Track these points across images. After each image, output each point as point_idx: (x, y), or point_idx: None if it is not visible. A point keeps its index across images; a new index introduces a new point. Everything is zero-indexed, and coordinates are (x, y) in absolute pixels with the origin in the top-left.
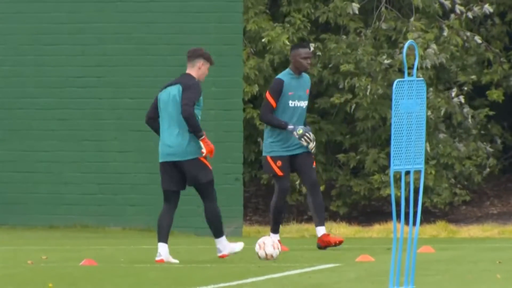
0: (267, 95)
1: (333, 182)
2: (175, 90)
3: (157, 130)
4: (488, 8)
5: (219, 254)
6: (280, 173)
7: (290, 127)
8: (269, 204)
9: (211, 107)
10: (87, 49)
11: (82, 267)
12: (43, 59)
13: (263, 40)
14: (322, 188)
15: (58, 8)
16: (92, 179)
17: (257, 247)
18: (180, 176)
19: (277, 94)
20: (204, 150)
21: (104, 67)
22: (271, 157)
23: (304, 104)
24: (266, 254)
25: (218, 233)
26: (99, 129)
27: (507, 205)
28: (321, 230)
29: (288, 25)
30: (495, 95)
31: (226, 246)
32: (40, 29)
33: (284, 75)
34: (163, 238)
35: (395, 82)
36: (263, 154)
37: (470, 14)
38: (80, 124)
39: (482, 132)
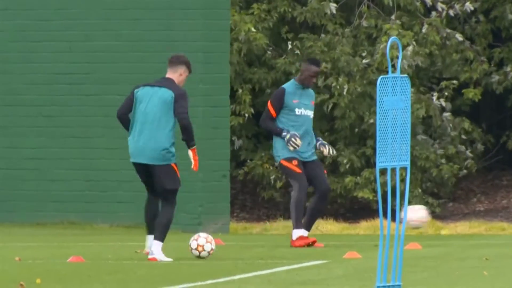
0: (268, 104)
1: None
2: (166, 95)
3: (127, 125)
4: (469, 6)
5: (150, 256)
6: (298, 170)
7: (283, 134)
8: (257, 200)
9: (199, 104)
10: (74, 46)
11: (69, 263)
12: (30, 56)
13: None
14: None
15: (45, 4)
16: (79, 176)
17: (201, 241)
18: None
19: (277, 103)
20: (192, 160)
21: (91, 64)
22: (285, 159)
23: (310, 113)
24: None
25: (160, 237)
26: (86, 126)
27: (494, 202)
28: (304, 233)
29: (252, 15)
30: (471, 94)
31: (160, 252)
32: (27, 26)
33: (288, 84)
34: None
35: (379, 79)
36: (278, 161)
37: (451, 12)
38: (67, 121)
39: (463, 136)
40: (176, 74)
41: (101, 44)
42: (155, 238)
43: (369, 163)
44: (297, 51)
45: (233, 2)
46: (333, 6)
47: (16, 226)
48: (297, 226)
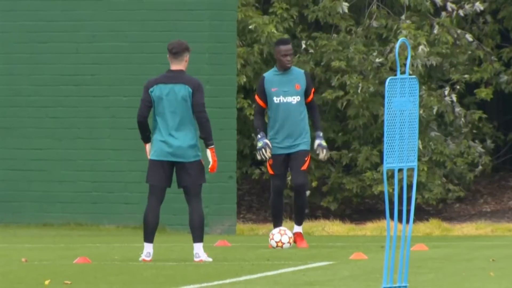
0: (256, 96)
1: (326, 179)
2: (184, 91)
3: (146, 129)
4: (478, 6)
5: (197, 259)
6: (270, 171)
7: (258, 136)
8: (263, 201)
9: (205, 104)
10: (81, 47)
11: (76, 265)
12: (37, 57)
13: (249, 27)
14: (314, 184)
15: (52, 6)
16: (86, 177)
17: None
18: (171, 174)
19: (260, 93)
20: (210, 161)
21: (97, 65)
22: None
23: (292, 99)
24: (280, 241)
25: (202, 238)
26: (93, 127)
27: (500, 203)
28: (295, 228)
29: (273, 15)
30: (484, 93)
31: (204, 253)
32: (33, 27)
33: (268, 72)
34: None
35: (387, 80)
36: None
37: (461, 12)
38: (73, 122)
39: (474, 131)
40: (183, 62)
41: (107, 45)
42: (198, 241)
43: None
44: (311, 50)
45: (249, 2)
46: (345, 5)
47: (22, 227)
48: (274, 226)
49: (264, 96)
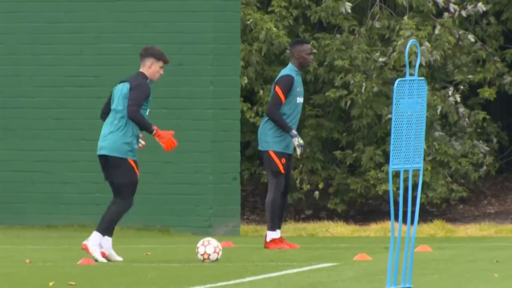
0: (277, 89)
1: (331, 180)
2: (125, 89)
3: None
4: (481, 6)
5: (101, 250)
6: (283, 171)
7: (294, 132)
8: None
9: (209, 106)
10: (85, 48)
11: (80, 266)
12: (41, 58)
13: (247, 23)
14: (320, 185)
15: (56, 7)
16: (89, 179)
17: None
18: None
19: (288, 90)
20: (161, 144)
21: (101, 66)
22: (276, 153)
23: (302, 100)
24: (205, 253)
25: (102, 230)
26: (96, 129)
27: (504, 204)
28: (274, 235)
29: (272, 14)
30: (487, 93)
31: (109, 247)
32: (37, 28)
33: (290, 71)
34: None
35: (396, 82)
36: (265, 148)
37: (463, 13)
38: (77, 123)
39: (478, 130)
40: (145, 67)
41: (111, 46)
42: (98, 230)
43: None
44: (315, 50)
45: (250, 2)
46: (348, 5)
47: (26, 229)
48: (271, 227)
49: (288, 95)
